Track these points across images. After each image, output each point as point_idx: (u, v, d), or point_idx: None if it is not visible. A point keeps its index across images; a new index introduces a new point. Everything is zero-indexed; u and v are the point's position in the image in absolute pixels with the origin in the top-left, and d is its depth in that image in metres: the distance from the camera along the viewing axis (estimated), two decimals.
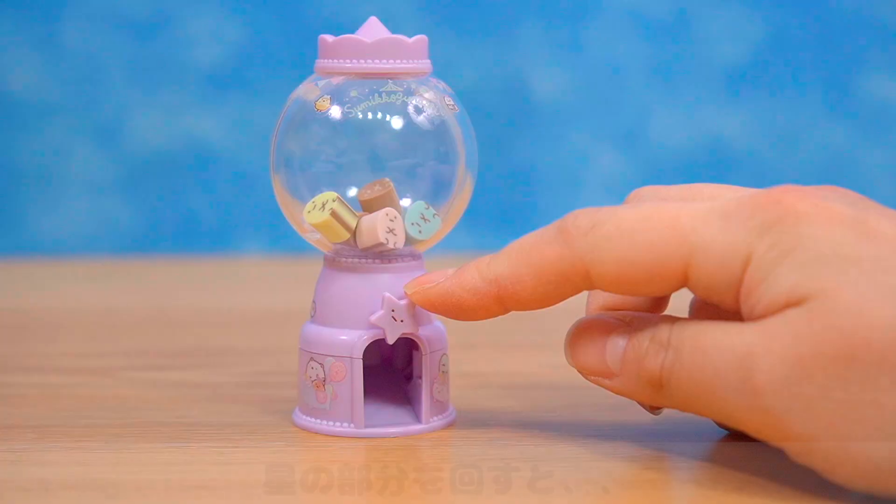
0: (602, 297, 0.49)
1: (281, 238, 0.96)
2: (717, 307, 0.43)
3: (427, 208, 0.49)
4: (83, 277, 0.90)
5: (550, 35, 0.97)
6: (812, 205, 0.40)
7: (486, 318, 0.47)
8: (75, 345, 0.68)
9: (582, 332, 0.46)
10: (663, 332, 0.43)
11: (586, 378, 0.46)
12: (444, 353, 0.50)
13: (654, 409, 0.48)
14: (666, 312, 0.47)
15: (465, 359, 0.61)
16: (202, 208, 0.97)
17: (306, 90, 0.50)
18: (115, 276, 0.91)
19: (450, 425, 0.50)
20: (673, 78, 0.98)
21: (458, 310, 0.47)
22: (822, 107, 0.99)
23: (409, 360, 0.51)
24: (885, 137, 0.99)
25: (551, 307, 0.46)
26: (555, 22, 0.98)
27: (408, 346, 0.51)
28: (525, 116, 0.98)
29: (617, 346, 0.44)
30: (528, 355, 0.62)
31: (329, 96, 0.49)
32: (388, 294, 0.48)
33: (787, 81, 0.99)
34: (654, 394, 0.43)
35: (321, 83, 0.50)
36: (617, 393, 0.45)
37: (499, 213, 0.97)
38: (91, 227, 0.97)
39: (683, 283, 0.42)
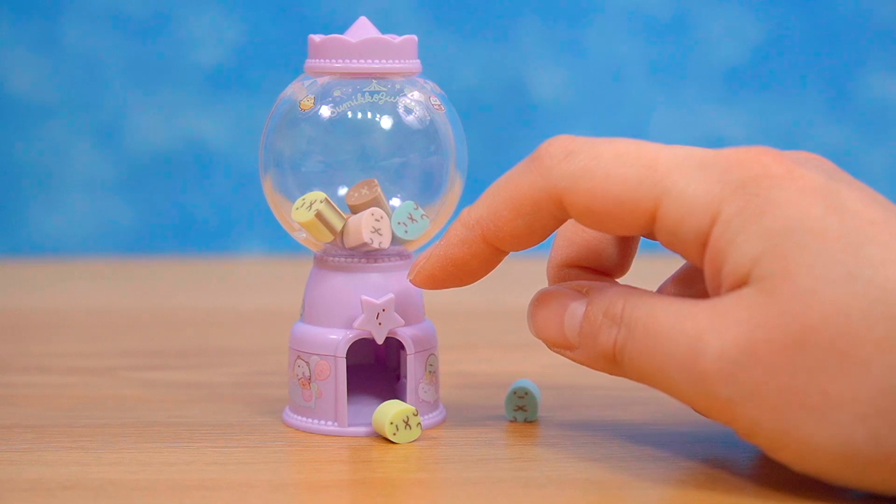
0: (563, 252, 0.48)
1: (280, 238, 0.96)
2: (685, 287, 0.43)
3: (416, 209, 0.49)
4: (83, 277, 0.91)
5: (550, 35, 0.97)
6: (787, 169, 0.40)
7: (487, 269, 0.46)
8: (75, 345, 0.68)
9: (542, 303, 0.45)
10: (617, 305, 0.43)
11: (551, 349, 0.45)
12: (433, 354, 0.50)
13: None
14: (627, 282, 0.46)
15: (463, 358, 0.62)
16: (202, 208, 0.97)
17: (294, 90, 0.50)
18: (115, 276, 0.91)
19: (438, 426, 0.50)
20: (673, 78, 0.98)
21: (458, 268, 0.46)
22: (822, 107, 0.99)
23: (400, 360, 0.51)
24: (885, 137, 0.99)
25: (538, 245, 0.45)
26: (555, 22, 0.98)
27: (398, 346, 0.50)
28: (525, 116, 0.98)
29: (574, 317, 0.44)
30: (526, 355, 0.62)
31: (313, 96, 0.49)
32: (365, 297, 0.48)
33: (786, 82, 0.99)
34: (610, 368, 0.43)
35: (308, 83, 0.50)
36: (580, 363, 0.45)
37: None
38: (91, 227, 0.97)
39: (651, 224, 0.42)
